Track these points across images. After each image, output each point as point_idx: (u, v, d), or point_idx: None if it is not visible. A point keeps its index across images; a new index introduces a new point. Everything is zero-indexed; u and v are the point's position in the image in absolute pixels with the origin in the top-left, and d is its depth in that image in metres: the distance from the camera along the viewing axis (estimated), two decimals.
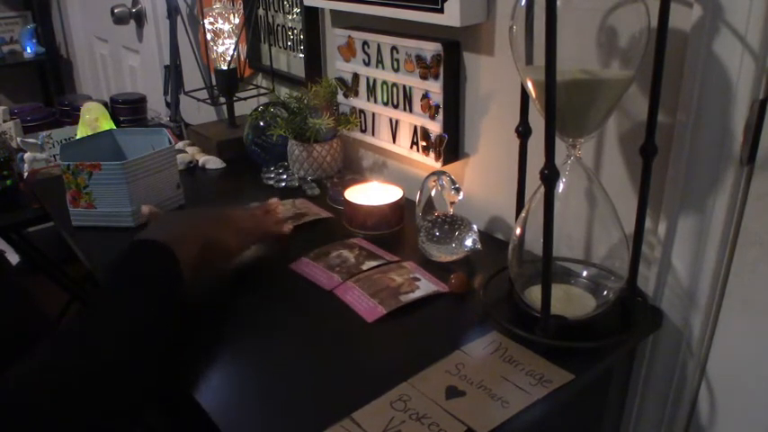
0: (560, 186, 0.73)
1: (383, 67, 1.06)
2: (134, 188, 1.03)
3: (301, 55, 1.31)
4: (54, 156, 1.65)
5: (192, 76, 1.64)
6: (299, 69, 1.34)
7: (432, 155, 1.02)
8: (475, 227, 0.91)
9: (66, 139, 1.68)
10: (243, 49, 1.47)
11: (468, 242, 0.89)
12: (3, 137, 1.74)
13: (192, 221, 0.81)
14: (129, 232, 1.03)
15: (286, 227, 0.94)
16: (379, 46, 1.06)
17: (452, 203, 0.92)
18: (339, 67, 1.16)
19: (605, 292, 0.78)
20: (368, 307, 0.80)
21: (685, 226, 0.75)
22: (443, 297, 0.83)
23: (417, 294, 0.82)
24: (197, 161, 1.33)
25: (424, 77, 0.99)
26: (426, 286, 0.84)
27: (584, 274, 0.82)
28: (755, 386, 0.75)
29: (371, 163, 1.23)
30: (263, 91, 1.46)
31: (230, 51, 1.33)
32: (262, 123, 1.26)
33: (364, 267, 0.89)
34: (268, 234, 0.91)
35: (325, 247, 0.95)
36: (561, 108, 0.65)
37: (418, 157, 1.05)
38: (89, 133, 1.59)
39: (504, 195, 0.96)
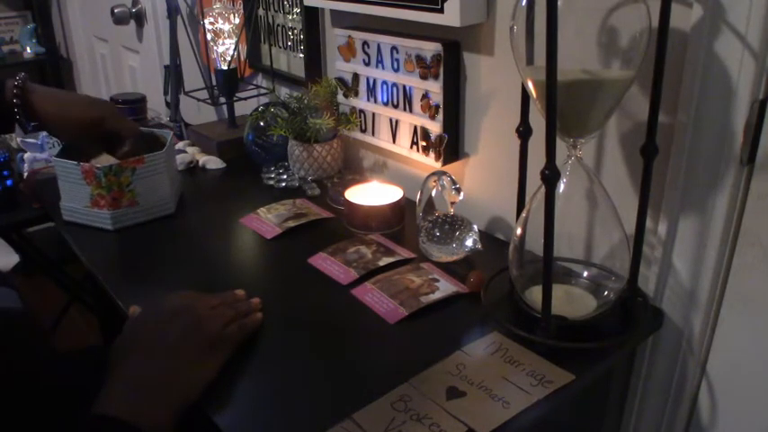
0: (561, 186, 0.73)
1: (383, 67, 1.06)
2: (167, 176, 1.07)
3: (301, 55, 1.31)
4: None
5: (192, 76, 1.64)
6: (299, 69, 1.34)
7: (432, 155, 1.02)
8: (475, 227, 0.91)
9: None
10: (243, 49, 1.47)
11: (469, 242, 0.90)
12: (3, 137, 1.74)
13: (167, 357, 0.66)
14: (169, 220, 1.07)
15: (258, 315, 0.79)
16: (379, 46, 1.05)
17: (453, 203, 0.92)
18: (339, 67, 1.16)
19: (606, 293, 0.78)
20: (389, 309, 0.80)
21: (686, 226, 0.75)
22: (461, 297, 0.83)
23: (438, 295, 0.82)
24: (197, 161, 1.33)
25: (424, 77, 0.99)
26: (446, 287, 0.84)
27: (585, 274, 0.82)
28: (755, 386, 0.75)
29: (372, 163, 1.23)
30: (263, 91, 1.46)
31: (230, 51, 1.33)
32: (262, 123, 1.26)
33: (381, 264, 0.90)
34: (244, 332, 0.75)
35: (342, 242, 0.96)
36: (562, 108, 0.65)
37: (418, 157, 1.05)
38: None
39: (505, 195, 0.96)
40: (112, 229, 1.03)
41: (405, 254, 0.93)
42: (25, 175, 1.58)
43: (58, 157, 1.03)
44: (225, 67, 1.34)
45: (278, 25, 1.37)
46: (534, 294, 0.76)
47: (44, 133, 1.72)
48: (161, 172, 1.05)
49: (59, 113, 0.98)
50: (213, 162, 1.32)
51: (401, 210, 1.03)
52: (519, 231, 0.77)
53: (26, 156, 1.62)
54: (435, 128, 1.00)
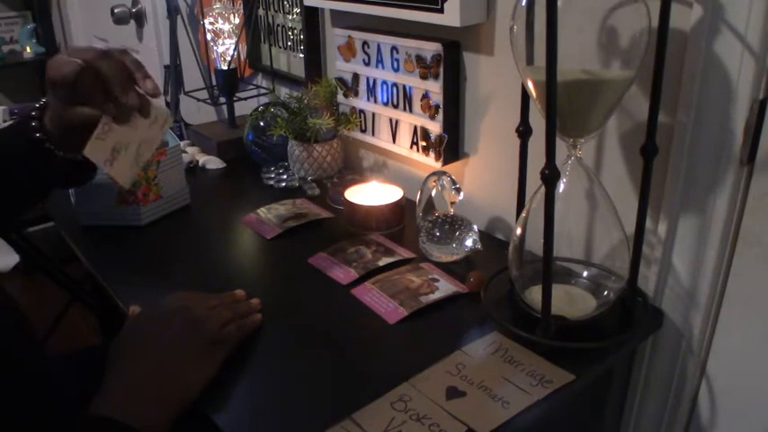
0: (561, 186, 0.73)
1: (383, 67, 1.06)
2: (182, 167, 1.12)
3: (301, 55, 1.31)
4: None
5: (192, 76, 1.64)
6: (299, 69, 1.34)
7: (432, 155, 1.02)
8: (475, 227, 0.91)
9: None
10: (243, 49, 1.47)
11: (469, 242, 0.90)
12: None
13: (162, 362, 0.66)
14: (168, 220, 1.07)
15: (257, 316, 0.78)
16: (379, 46, 1.05)
17: (453, 203, 0.92)
18: (339, 67, 1.16)
19: (606, 293, 0.78)
20: (388, 309, 0.80)
21: (685, 226, 0.75)
22: (461, 297, 0.83)
23: (437, 295, 0.82)
24: (197, 161, 1.33)
25: (424, 77, 0.99)
26: (445, 287, 0.84)
27: (585, 274, 0.82)
28: (755, 386, 0.75)
29: (372, 163, 1.23)
30: (263, 91, 1.46)
31: (230, 51, 1.33)
32: (262, 123, 1.26)
33: (381, 264, 0.90)
34: (242, 333, 0.75)
35: (342, 242, 0.96)
36: (562, 108, 0.65)
37: (418, 157, 1.05)
38: None
39: (505, 195, 0.96)
40: (143, 224, 1.04)
41: (405, 254, 0.93)
42: None
43: None
44: (225, 67, 1.34)
45: (278, 25, 1.37)
46: (534, 294, 0.76)
47: None
48: (178, 163, 1.09)
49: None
50: (213, 162, 1.32)
51: (401, 210, 1.03)
52: (519, 231, 0.77)
53: None
54: (435, 128, 1.00)
